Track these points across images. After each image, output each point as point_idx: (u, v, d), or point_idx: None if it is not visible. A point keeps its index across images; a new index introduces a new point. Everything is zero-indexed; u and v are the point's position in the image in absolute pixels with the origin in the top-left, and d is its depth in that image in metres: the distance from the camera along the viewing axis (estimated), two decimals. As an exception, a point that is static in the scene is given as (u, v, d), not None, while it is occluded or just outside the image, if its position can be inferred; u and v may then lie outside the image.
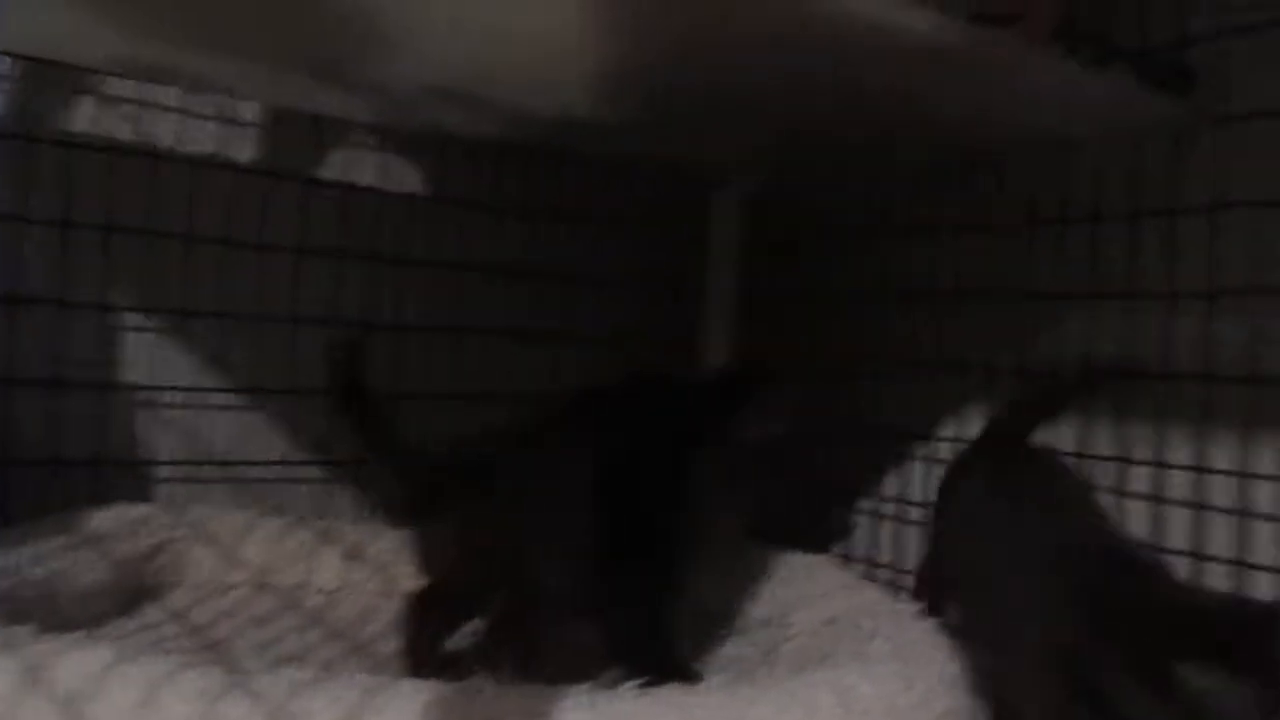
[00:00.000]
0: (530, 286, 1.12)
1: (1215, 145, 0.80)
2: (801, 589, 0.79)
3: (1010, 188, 0.96)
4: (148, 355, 0.93)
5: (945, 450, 0.99)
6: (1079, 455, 0.88)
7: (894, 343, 1.06)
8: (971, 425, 0.97)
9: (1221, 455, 0.80)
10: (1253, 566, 0.77)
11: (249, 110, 0.97)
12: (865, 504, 1.07)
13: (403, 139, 1.04)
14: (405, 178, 1.06)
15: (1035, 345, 0.93)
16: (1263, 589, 0.76)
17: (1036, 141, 0.91)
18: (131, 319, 0.92)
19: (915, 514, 1.01)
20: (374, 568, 0.86)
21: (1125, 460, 0.85)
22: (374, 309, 1.03)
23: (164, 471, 0.93)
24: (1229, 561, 0.78)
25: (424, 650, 0.65)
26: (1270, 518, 0.76)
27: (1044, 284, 0.92)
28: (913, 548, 1.01)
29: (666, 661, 0.66)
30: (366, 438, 0.71)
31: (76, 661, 0.48)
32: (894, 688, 0.53)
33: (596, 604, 0.67)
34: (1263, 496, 0.77)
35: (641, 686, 0.51)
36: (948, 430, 1.00)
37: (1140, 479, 0.84)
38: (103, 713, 0.46)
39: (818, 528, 1.04)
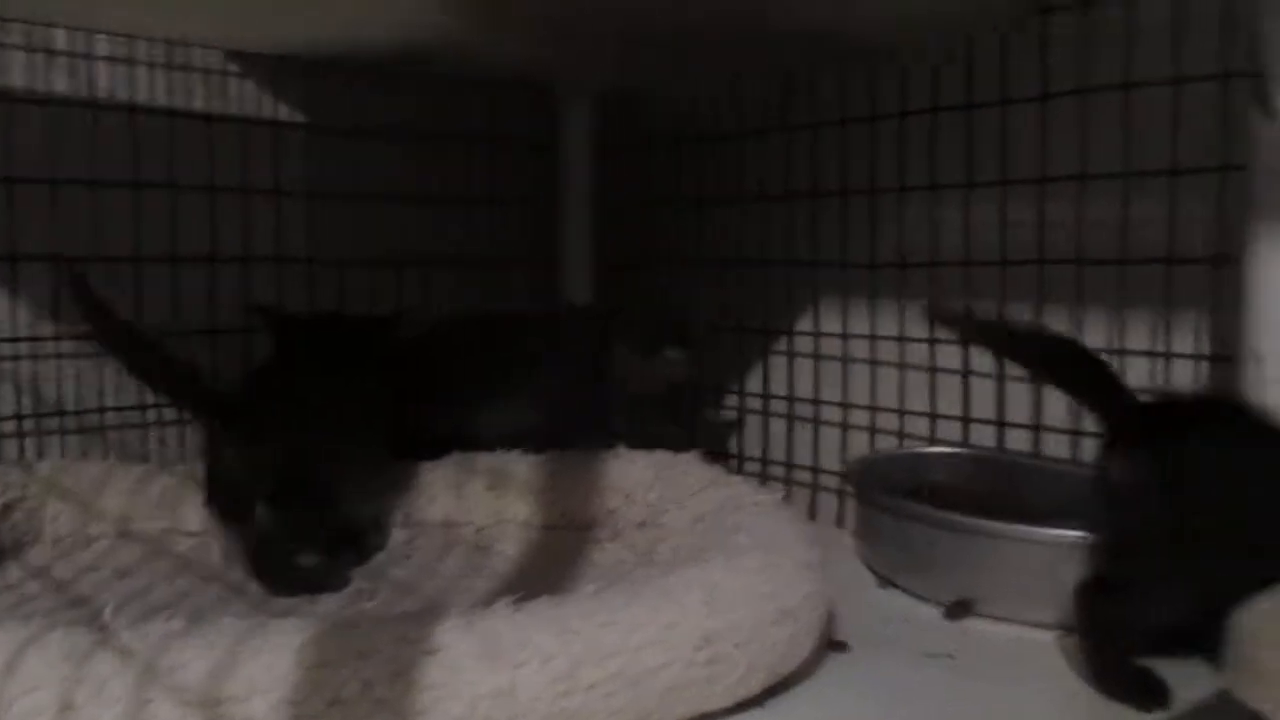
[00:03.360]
0: (389, 210, 1.09)
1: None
2: (673, 489, 0.81)
3: (851, 88, 0.98)
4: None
5: (804, 345, 1.03)
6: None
7: (748, 243, 1.08)
8: (826, 320, 1.01)
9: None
10: (1085, 434, 0.83)
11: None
12: (732, 401, 1.10)
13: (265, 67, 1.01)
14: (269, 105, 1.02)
15: (886, 239, 0.96)
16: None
17: (875, 41, 0.93)
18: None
19: (779, 408, 1.05)
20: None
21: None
22: (220, 240, 0.99)
23: (6, 427, 0.89)
24: (1067, 431, 0.84)
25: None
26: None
27: (886, 179, 0.95)
28: (779, 441, 1.05)
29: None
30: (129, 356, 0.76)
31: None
32: (756, 579, 0.56)
33: None
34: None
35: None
36: (804, 325, 1.03)
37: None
38: (-37, 684, 0.45)
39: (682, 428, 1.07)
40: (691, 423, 0.79)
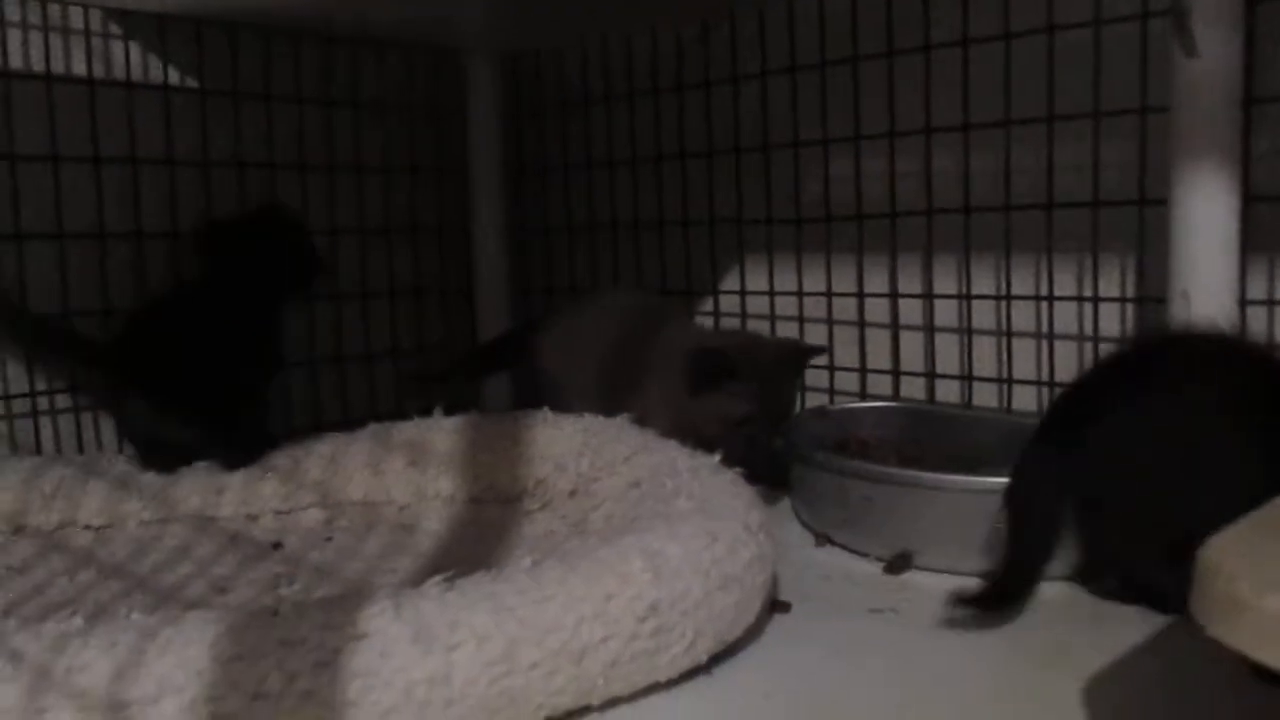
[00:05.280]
0: (296, 179, 1.04)
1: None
2: (604, 456, 0.78)
3: (772, 38, 0.95)
4: None
5: (730, 305, 1.01)
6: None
7: (669, 203, 1.05)
8: (752, 278, 0.99)
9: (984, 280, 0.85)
10: (1014, 381, 0.83)
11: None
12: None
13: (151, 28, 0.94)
14: (156, 69, 0.95)
15: (809, 191, 0.94)
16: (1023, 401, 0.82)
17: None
18: None
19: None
20: (147, 496, 0.79)
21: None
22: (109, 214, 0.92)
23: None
24: (995, 380, 0.84)
25: None
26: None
27: (809, 131, 0.93)
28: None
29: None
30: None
31: None
32: (699, 545, 0.54)
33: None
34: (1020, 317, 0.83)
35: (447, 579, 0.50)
36: (730, 284, 1.01)
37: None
38: None
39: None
40: (759, 458, 0.70)
